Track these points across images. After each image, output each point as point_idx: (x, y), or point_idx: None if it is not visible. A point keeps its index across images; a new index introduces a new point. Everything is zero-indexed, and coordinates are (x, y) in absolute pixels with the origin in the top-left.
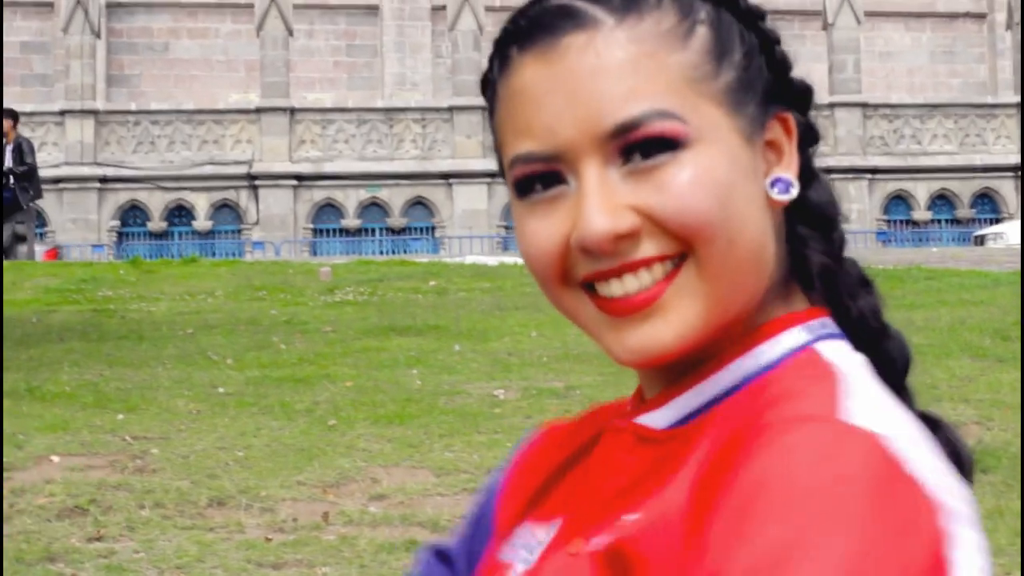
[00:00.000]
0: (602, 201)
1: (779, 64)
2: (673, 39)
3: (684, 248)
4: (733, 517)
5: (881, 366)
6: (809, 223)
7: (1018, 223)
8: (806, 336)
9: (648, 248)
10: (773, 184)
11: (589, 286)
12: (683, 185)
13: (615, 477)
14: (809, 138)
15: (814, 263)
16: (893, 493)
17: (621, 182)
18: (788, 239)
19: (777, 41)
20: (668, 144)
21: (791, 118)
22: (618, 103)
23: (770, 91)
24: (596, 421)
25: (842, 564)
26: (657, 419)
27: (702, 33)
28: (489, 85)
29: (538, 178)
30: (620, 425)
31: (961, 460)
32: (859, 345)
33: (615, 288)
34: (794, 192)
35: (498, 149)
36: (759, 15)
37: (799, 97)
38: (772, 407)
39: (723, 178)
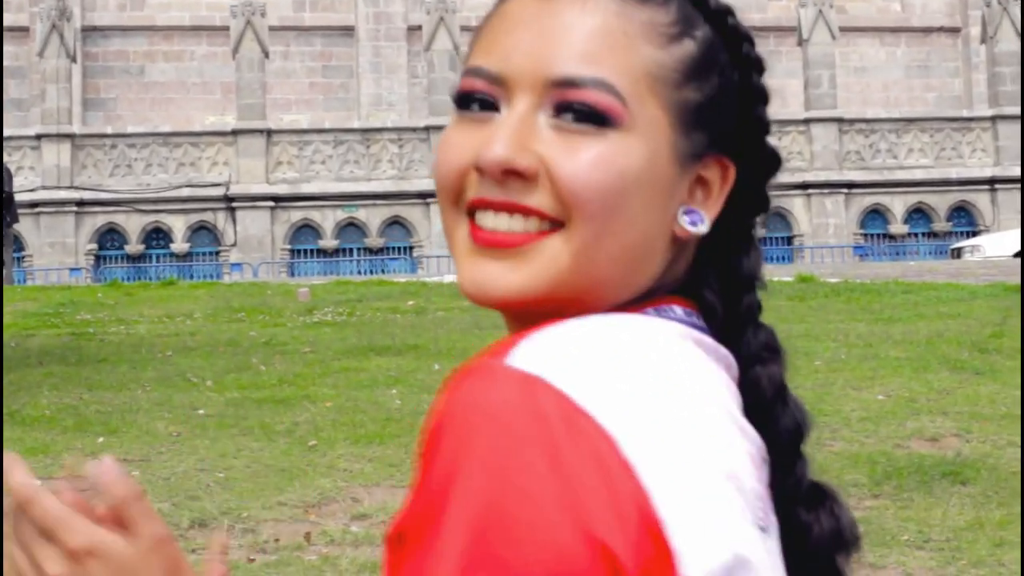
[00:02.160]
0: (514, 134)
1: (757, 121)
2: (657, 36)
3: (563, 217)
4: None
5: (770, 435)
6: (728, 278)
7: (995, 236)
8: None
9: (534, 199)
10: (686, 213)
11: (470, 214)
12: (591, 157)
13: None
14: (759, 206)
15: (709, 302)
16: (523, 429)
17: (542, 128)
18: (695, 283)
19: (764, 100)
20: (599, 119)
21: (732, 169)
22: (573, 58)
23: (729, 136)
24: None
25: (475, 499)
26: None
27: (688, 46)
28: (486, 16)
29: (477, 99)
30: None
31: (842, 534)
32: (750, 411)
33: (488, 220)
34: (702, 229)
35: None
36: (759, 68)
37: (766, 161)
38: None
39: (631, 172)
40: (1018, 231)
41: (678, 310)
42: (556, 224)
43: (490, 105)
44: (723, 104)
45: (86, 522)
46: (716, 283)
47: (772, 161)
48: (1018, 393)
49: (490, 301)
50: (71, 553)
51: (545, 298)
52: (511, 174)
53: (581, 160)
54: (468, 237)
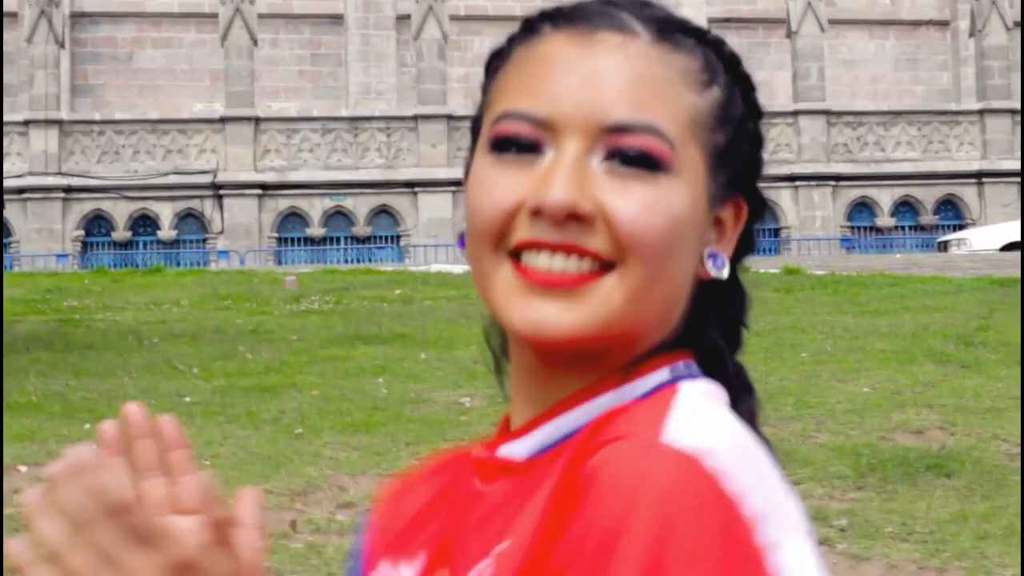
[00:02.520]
0: (573, 177)
1: (756, 162)
2: (694, 82)
3: (617, 259)
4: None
5: None
6: (725, 318)
7: (982, 229)
8: (668, 375)
9: (591, 241)
10: (711, 256)
11: (514, 255)
12: (648, 201)
13: (477, 508)
14: (748, 248)
15: (718, 350)
16: (701, 510)
17: (596, 174)
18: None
19: (762, 144)
20: (650, 163)
21: (745, 210)
22: (626, 104)
23: (741, 178)
24: (456, 464)
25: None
26: (519, 449)
27: (716, 91)
28: (501, 53)
29: (516, 142)
30: (481, 457)
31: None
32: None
33: (542, 261)
34: (725, 273)
35: (484, 107)
36: (759, 113)
37: (757, 203)
38: (605, 429)
39: (681, 217)
40: (1005, 225)
41: (693, 365)
42: (606, 265)
43: (529, 148)
44: (740, 147)
45: (193, 531)
46: (718, 330)
47: (761, 203)
48: (1002, 386)
49: (547, 340)
50: (173, 565)
51: (597, 337)
52: (571, 217)
53: (637, 204)
54: (516, 277)
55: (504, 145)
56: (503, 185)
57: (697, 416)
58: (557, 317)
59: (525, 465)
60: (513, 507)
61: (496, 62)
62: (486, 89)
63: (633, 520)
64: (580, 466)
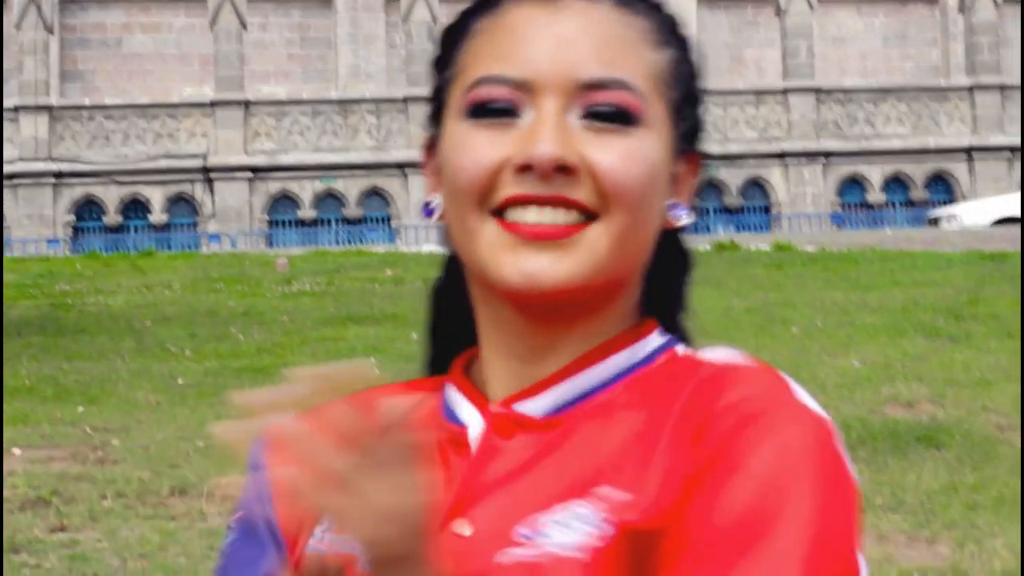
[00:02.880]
0: (557, 132)
1: (701, 120)
2: (652, 41)
3: (601, 209)
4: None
5: None
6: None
7: (973, 204)
8: (661, 339)
9: (576, 193)
10: (672, 207)
11: (498, 213)
12: (627, 152)
13: (495, 461)
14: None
15: (680, 326)
16: (842, 469)
17: (575, 129)
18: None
19: (702, 103)
20: (624, 117)
21: (697, 164)
22: (598, 62)
23: (690, 134)
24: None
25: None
26: (535, 407)
27: (670, 51)
28: (457, 27)
29: (494, 106)
30: (499, 412)
31: None
32: None
33: (531, 215)
34: (686, 220)
35: (449, 79)
36: (700, 73)
37: (702, 160)
38: (732, 394)
39: (655, 166)
40: (995, 199)
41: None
42: (591, 216)
43: (505, 111)
44: (691, 104)
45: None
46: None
47: (705, 159)
48: (991, 359)
49: (542, 290)
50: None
51: (586, 285)
52: (559, 170)
53: (619, 154)
54: (504, 232)
55: (481, 110)
56: (485, 146)
57: (790, 382)
58: (550, 267)
59: (544, 422)
60: (551, 461)
61: (454, 36)
62: (447, 62)
63: (804, 476)
64: (716, 424)
